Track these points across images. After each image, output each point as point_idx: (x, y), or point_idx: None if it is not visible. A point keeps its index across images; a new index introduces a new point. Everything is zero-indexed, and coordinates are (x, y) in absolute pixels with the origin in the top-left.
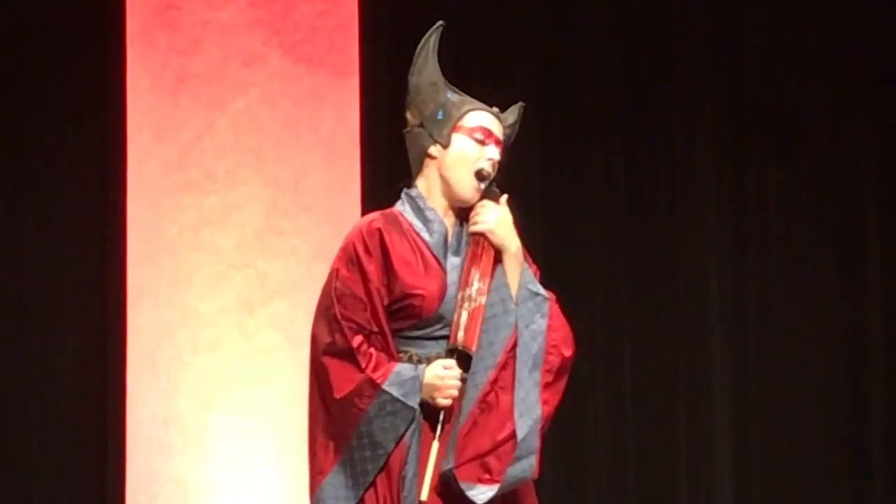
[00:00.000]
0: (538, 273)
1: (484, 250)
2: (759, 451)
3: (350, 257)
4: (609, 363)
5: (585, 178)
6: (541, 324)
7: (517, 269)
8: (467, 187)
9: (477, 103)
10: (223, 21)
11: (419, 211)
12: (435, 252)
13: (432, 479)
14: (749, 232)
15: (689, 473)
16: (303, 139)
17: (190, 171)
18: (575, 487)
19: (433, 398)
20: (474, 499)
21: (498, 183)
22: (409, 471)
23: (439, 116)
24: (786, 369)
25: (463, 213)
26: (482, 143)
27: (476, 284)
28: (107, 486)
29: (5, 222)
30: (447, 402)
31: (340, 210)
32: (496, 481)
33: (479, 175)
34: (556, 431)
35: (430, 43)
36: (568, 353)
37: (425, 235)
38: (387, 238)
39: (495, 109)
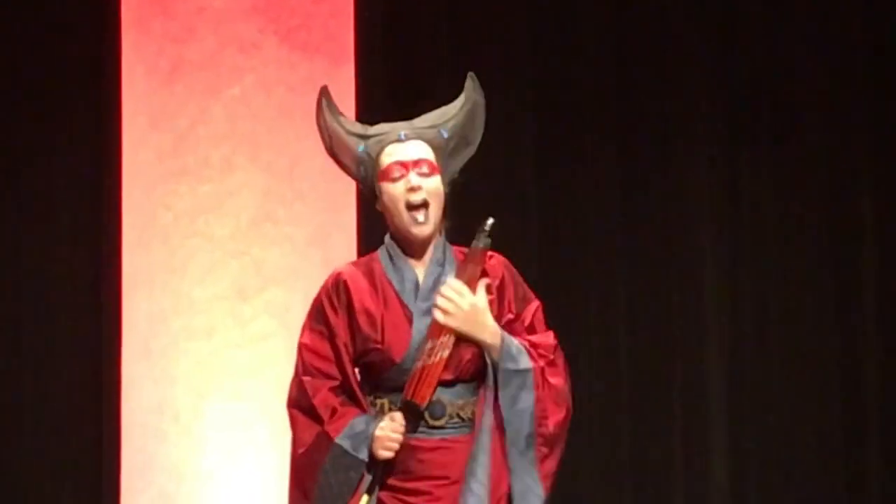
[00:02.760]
0: (540, 307)
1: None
2: (754, 441)
3: (318, 311)
4: (604, 355)
5: (579, 165)
6: (527, 400)
7: (496, 353)
8: (408, 224)
9: (386, 135)
10: (218, 8)
11: (391, 260)
12: (404, 300)
13: None
14: (743, 218)
15: (685, 468)
16: (298, 126)
17: (185, 159)
18: (567, 483)
19: (375, 452)
20: None
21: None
22: None
23: (363, 175)
24: (781, 358)
25: (438, 252)
26: (401, 177)
27: (441, 338)
28: (102, 474)
29: (0, 209)
30: (386, 453)
31: (335, 197)
32: None
33: (411, 206)
34: None
35: (323, 111)
36: (560, 415)
37: (396, 283)
38: (352, 290)
39: (401, 134)
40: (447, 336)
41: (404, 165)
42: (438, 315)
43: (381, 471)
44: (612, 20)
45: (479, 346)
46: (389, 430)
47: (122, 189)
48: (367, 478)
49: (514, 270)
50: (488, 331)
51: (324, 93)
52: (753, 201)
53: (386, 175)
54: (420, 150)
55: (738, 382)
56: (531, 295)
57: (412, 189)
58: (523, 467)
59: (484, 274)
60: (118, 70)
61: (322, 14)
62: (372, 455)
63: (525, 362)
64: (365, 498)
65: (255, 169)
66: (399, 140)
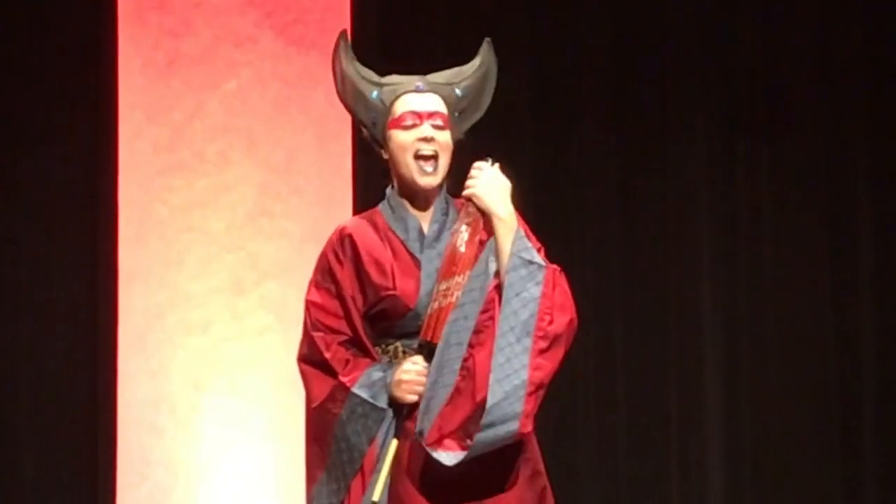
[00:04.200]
0: (542, 250)
1: (466, 242)
2: (749, 433)
3: (324, 267)
4: (599, 343)
5: (575, 157)
6: (533, 291)
7: (508, 236)
8: (415, 174)
9: (402, 86)
10: (214, 3)
11: (393, 210)
12: (410, 248)
13: (387, 477)
14: (740, 210)
15: (680, 461)
16: (294, 120)
17: (181, 153)
18: (564, 471)
19: (399, 396)
20: (442, 461)
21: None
22: (379, 467)
23: (374, 122)
24: (777, 349)
25: (443, 202)
26: (413, 126)
27: (453, 279)
28: (98, 468)
29: None
30: (412, 397)
31: (331, 192)
32: (461, 448)
33: (419, 156)
34: (544, 412)
35: (340, 56)
36: (564, 319)
37: (400, 233)
38: (358, 242)
39: (420, 85)
40: (461, 276)
41: (419, 115)
42: (467, 186)
43: (406, 415)
44: (611, 7)
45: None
46: (414, 374)
47: (118, 183)
48: (393, 423)
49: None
50: (507, 208)
51: (343, 36)
52: (750, 193)
53: (398, 122)
54: (435, 103)
55: (734, 373)
56: (532, 238)
57: (425, 139)
58: (514, 351)
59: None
60: (115, 64)
61: (318, 8)
62: (394, 400)
63: (538, 258)
64: (395, 442)
65: (252, 163)
66: (416, 90)
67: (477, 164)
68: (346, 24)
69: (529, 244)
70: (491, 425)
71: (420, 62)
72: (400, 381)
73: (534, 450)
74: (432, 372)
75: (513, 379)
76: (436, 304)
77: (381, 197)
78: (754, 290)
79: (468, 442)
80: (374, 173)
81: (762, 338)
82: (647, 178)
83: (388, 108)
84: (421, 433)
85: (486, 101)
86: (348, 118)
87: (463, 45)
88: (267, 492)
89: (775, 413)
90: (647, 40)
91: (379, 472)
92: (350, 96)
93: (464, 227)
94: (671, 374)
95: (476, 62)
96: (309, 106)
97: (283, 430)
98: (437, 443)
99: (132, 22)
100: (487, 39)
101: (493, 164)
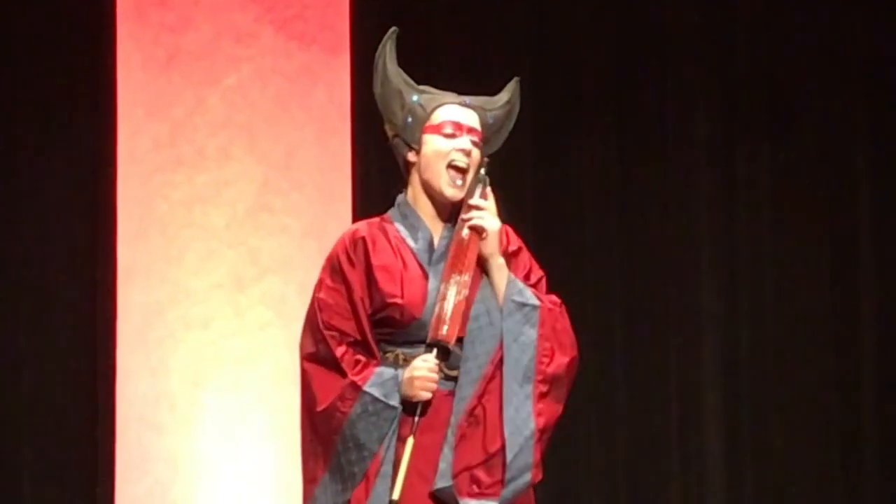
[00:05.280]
0: (543, 279)
1: (468, 248)
2: (750, 431)
3: (334, 267)
4: (600, 343)
5: (576, 157)
6: (530, 335)
7: (503, 281)
8: (444, 183)
9: (445, 97)
10: None
11: (405, 218)
12: (419, 259)
13: (405, 478)
14: (741, 210)
15: (681, 456)
16: (294, 116)
17: (181, 148)
18: (563, 483)
19: (412, 393)
20: None
21: (490, 173)
22: (386, 469)
23: (409, 122)
24: (778, 349)
25: (454, 218)
26: (452, 136)
27: (458, 277)
28: (98, 465)
29: None
30: (426, 394)
31: (332, 187)
32: (488, 495)
33: (454, 167)
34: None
35: (385, 50)
36: (564, 359)
37: (410, 242)
38: (370, 246)
39: (465, 99)
40: (466, 274)
41: (460, 127)
42: (477, 221)
43: (420, 413)
44: (611, 5)
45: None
46: (426, 370)
47: (117, 179)
48: (404, 421)
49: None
50: (500, 254)
51: (392, 34)
52: (751, 192)
53: (438, 129)
54: (475, 121)
55: (734, 374)
56: (535, 265)
57: (463, 151)
58: (519, 400)
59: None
60: (114, 60)
61: (318, 4)
62: (405, 399)
63: (531, 298)
64: (411, 440)
65: (252, 159)
66: (460, 104)
67: (476, 202)
68: (346, 19)
69: (521, 285)
70: (513, 479)
71: (420, 58)
72: (413, 379)
73: None
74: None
75: (523, 430)
76: (443, 303)
77: (381, 192)
78: (755, 291)
79: (475, 488)
80: (373, 169)
81: (763, 339)
82: (648, 179)
83: (427, 114)
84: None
85: (504, 137)
86: (349, 114)
87: (464, 41)
88: (267, 488)
89: (775, 413)
90: (648, 40)
91: (400, 470)
92: (389, 92)
93: (465, 231)
94: (671, 381)
95: (504, 97)
96: (309, 102)
97: (284, 426)
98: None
99: (132, 18)
100: (517, 79)
101: (484, 163)
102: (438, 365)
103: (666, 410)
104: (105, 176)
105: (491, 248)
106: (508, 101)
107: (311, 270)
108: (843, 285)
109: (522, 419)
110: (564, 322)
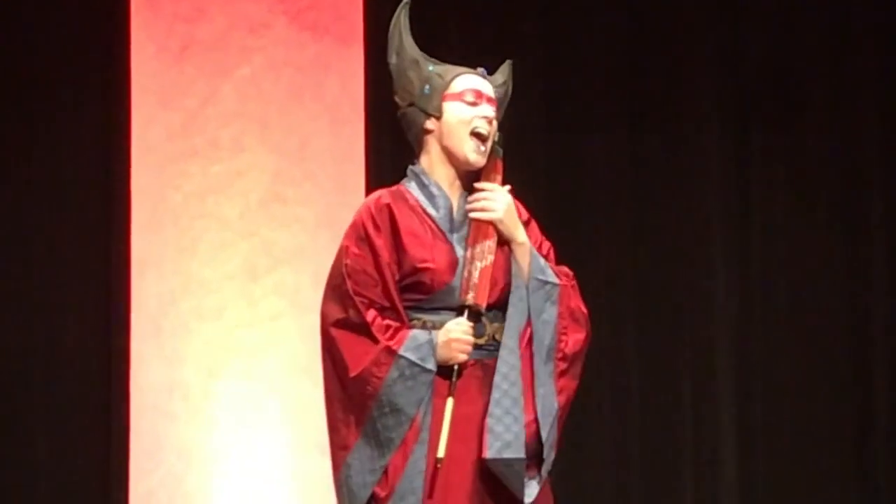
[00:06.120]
0: (552, 249)
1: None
2: (763, 425)
3: (360, 234)
4: (611, 335)
5: (587, 150)
6: (551, 312)
7: (526, 259)
8: (469, 150)
9: (461, 68)
10: None
11: (424, 187)
12: (441, 227)
13: (448, 435)
14: (753, 200)
15: (694, 449)
16: (307, 107)
17: (194, 139)
18: (576, 466)
19: (449, 356)
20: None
21: (503, 144)
22: (424, 435)
23: (427, 91)
24: (791, 341)
25: (470, 184)
26: (474, 104)
27: (485, 242)
28: (111, 454)
29: (9, 189)
30: (463, 356)
31: (345, 178)
32: (531, 475)
33: (477, 135)
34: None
35: (400, 21)
36: (580, 336)
37: (431, 211)
38: (396, 213)
39: (481, 70)
40: (491, 239)
41: (480, 96)
42: (480, 214)
43: (457, 375)
44: (622, 3)
45: (508, 266)
46: (461, 332)
47: (131, 169)
48: (440, 384)
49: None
50: (521, 229)
51: (406, 6)
52: (763, 179)
53: (459, 96)
54: (492, 91)
55: (747, 364)
56: (542, 237)
57: (486, 119)
58: (545, 375)
59: (503, 183)
60: (128, 50)
61: None
62: (441, 362)
63: (552, 276)
64: (451, 401)
65: (265, 149)
66: (480, 75)
67: (482, 184)
68: (360, 9)
69: (542, 261)
70: (546, 459)
71: (434, 47)
72: (449, 341)
73: None
74: (497, 383)
75: (550, 409)
76: (471, 268)
77: (395, 182)
78: (767, 282)
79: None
80: (386, 159)
81: (775, 328)
82: (659, 170)
83: (447, 82)
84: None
85: (499, 117)
86: (362, 104)
87: (477, 30)
88: (281, 477)
89: (788, 402)
90: (659, 32)
91: (443, 429)
92: (406, 61)
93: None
94: (684, 371)
95: (499, 78)
96: (322, 92)
97: (297, 415)
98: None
99: (145, 8)
100: (509, 62)
101: (498, 137)
102: (471, 328)
103: (678, 402)
104: (118, 166)
105: (508, 231)
106: (504, 83)
107: (324, 261)
108: (857, 271)
109: (550, 399)
110: (577, 298)
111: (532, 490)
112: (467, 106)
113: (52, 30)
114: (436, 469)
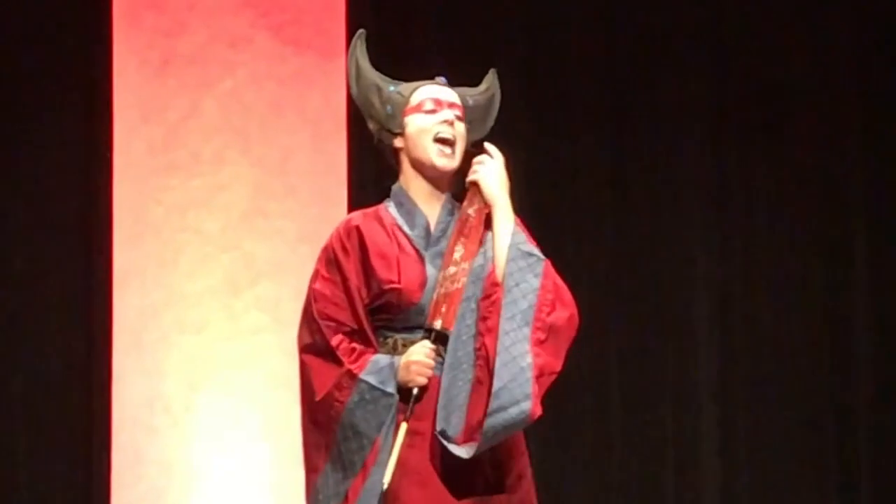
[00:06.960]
0: (536, 247)
1: (472, 228)
2: (744, 425)
3: (329, 258)
4: (593, 339)
5: (569, 160)
6: (533, 283)
7: (507, 227)
8: (433, 155)
9: (419, 82)
10: (209, 2)
11: (401, 206)
12: (416, 244)
13: (395, 463)
14: (734, 212)
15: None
16: (289, 121)
17: (176, 152)
18: (559, 461)
19: (408, 378)
20: (461, 455)
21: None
22: (383, 457)
23: (389, 111)
24: (772, 343)
25: (449, 201)
26: (433, 111)
27: (459, 266)
28: (92, 467)
29: None
30: (422, 379)
31: (326, 192)
32: (473, 440)
33: (440, 140)
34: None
35: (356, 51)
36: (565, 313)
37: (407, 229)
38: (365, 235)
39: (440, 79)
40: (466, 262)
41: (440, 103)
42: (473, 171)
43: (415, 399)
44: (604, 9)
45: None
46: (422, 356)
47: (113, 183)
48: (402, 408)
49: None
50: (508, 201)
51: (361, 36)
52: (744, 190)
53: (419, 108)
54: (454, 97)
55: (729, 368)
56: (528, 234)
57: (446, 122)
58: (515, 337)
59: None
60: (109, 63)
61: (314, 9)
62: (402, 385)
63: (536, 251)
64: (405, 426)
65: (247, 163)
66: (440, 83)
67: (479, 158)
68: (342, 24)
69: (525, 237)
70: (500, 409)
71: (415, 63)
72: (409, 364)
73: (522, 452)
74: (447, 370)
75: (519, 361)
76: (442, 290)
77: (377, 197)
78: (748, 287)
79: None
80: (369, 173)
81: (757, 334)
82: (641, 177)
83: (406, 98)
84: (444, 433)
85: (489, 124)
86: (344, 118)
87: (457, 47)
88: (261, 491)
89: (768, 403)
90: (641, 39)
91: (392, 456)
92: (366, 88)
93: (471, 210)
94: (667, 377)
95: (483, 87)
96: (304, 106)
97: (278, 429)
98: (468, 441)
99: (127, 22)
100: (493, 70)
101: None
102: (436, 350)
103: (659, 400)
104: (100, 180)
105: (489, 191)
106: (488, 89)
107: (305, 275)
108: (837, 282)
109: (519, 352)
110: (560, 281)
111: (466, 449)
112: (427, 115)
113: (34, 43)
114: (393, 491)
